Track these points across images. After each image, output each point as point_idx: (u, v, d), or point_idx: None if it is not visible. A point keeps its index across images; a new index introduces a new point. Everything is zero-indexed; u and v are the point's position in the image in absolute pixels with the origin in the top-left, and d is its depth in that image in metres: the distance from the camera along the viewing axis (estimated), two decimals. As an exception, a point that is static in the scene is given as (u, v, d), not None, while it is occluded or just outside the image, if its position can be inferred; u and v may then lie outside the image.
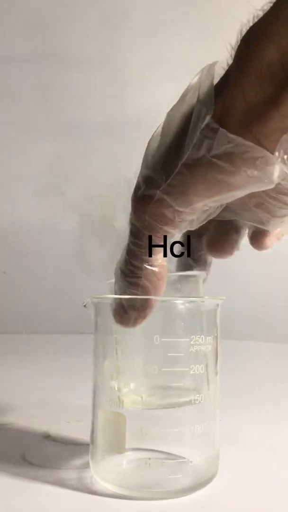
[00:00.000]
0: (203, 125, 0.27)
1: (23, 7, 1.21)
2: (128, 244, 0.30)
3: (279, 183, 0.28)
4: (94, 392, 0.34)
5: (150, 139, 0.31)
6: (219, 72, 0.29)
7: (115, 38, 1.20)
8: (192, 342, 0.32)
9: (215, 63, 0.30)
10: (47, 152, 1.22)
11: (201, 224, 0.31)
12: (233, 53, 0.27)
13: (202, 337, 0.32)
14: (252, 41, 0.26)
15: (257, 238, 0.37)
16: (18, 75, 1.22)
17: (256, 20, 0.26)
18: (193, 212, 0.29)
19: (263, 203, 0.31)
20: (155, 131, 0.31)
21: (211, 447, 0.33)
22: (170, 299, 0.32)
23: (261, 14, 0.26)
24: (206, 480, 0.33)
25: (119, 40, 1.20)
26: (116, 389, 0.32)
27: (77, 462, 0.37)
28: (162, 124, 0.31)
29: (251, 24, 0.26)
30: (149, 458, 0.33)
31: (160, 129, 0.31)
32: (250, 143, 0.26)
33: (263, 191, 0.30)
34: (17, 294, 1.19)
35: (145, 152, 0.31)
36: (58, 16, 1.21)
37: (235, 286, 1.07)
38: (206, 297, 0.34)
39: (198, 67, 0.31)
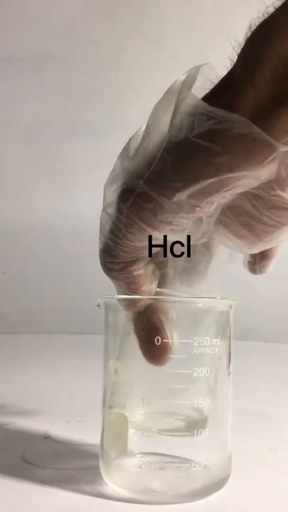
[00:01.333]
0: (182, 101, 0.25)
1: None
2: (106, 241, 0.29)
3: (274, 195, 0.26)
4: (104, 393, 0.33)
5: (131, 139, 0.30)
6: (206, 75, 0.28)
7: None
8: (195, 344, 0.31)
9: (201, 66, 0.29)
10: (47, 152, 1.21)
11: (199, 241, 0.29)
12: (239, 50, 0.25)
13: (207, 339, 0.31)
14: (265, 36, 0.24)
15: (259, 261, 0.36)
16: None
17: (266, 16, 0.24)
18: (177, 212, 0.26)
19: (251, 223, 0.29)
20: (136, 132, 0.30)
21: (223, 450, 0.32)
22: (178, 299, 0.32)
23: (271, 10, 0.24)
24: (218, 484, 0.32)
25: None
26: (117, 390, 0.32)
27: (78, 462, 0.37)
28: (145, 126, 0.29)
29: (261, 20, 0.24)
30: (160, 462, 0.32)
31: (142, 129, 0.29)
32: (234, 115, 0.23)
33: (254, 207, 0.28)
34: (17, 294, 1.19)
35: (124, 152, 0.29)
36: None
37: (235, 286, 1.07)
38: (218, 297, 0.34)
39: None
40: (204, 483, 0.31)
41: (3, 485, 0.33)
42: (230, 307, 0.33)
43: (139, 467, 0.31)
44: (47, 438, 0.42)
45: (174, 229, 0.27)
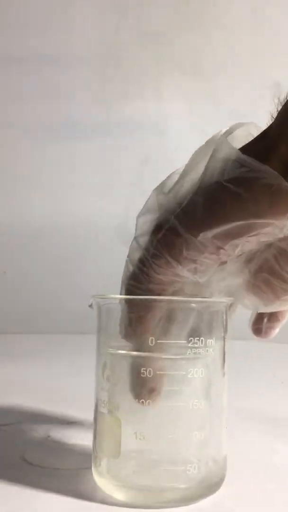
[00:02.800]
0: (218, 148, 0.27)
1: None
2: (135, 268, 0.30)
3: None
4: (96, 395, 0.33)
5: (168, 177, 0.31)
6: (251, 132, 0.29)
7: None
8: (190, 345, 0.31)
9: (246, 123, 0.30)
10: (48, 152, 1.22)
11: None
12: (279, 107, 0.27)
13: (201, 340, 0.31)
14: None
15: (267, 322, 0.36)
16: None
17: None
18: (201, 251, 0.28)
19: (271, 280, 0.30)
20: (173, 172, 0.31)
21: (218, 452, 0.32)
22: (172, 299, 0.32)
23: None
24: (213, 487, 0.31)
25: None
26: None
27: (78, 463, 0.37)
28: (183, 170, 0.31)
29: None
30: (154, 465, 0.32)
31: (179, 170, 0.31)
32: (266, 167, 0.25)
33: (277, 260, 0.29)
34: (17, 294, 1.18)
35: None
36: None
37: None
38: (213, 298, 0.33)
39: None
40: (198, 486, 0.31)
41: (3, 486, 0.33)
42: (225, 307, 0.33)
43: (132, 471, 0.31)
44: (47, 438, 0.43)
45: (198, 268, 0.28)
